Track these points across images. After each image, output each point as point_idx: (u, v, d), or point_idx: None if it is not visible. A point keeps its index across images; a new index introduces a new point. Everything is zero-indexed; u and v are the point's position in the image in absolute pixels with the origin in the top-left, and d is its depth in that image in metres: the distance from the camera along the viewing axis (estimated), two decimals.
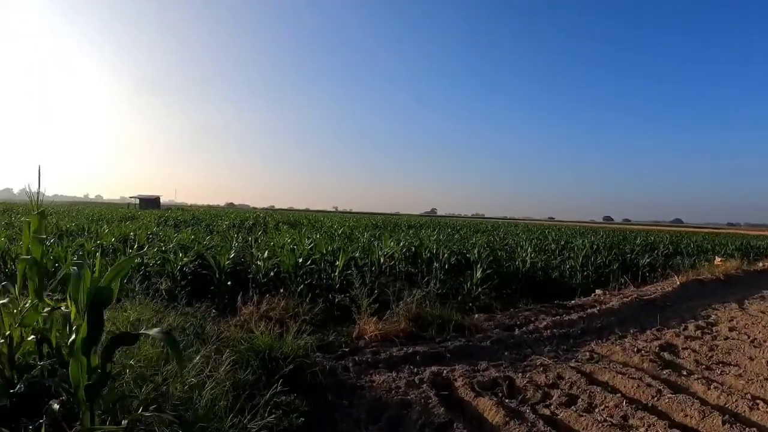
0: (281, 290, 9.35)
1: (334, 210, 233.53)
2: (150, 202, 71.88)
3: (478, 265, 12.20)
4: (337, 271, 10.51)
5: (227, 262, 10.07)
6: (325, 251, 11.97)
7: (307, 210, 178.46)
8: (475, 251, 14.77)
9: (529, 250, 17.13)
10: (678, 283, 14.93)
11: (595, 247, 21.84)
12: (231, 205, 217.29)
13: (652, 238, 36.03)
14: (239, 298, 8.05)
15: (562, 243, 24.09)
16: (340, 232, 23.12)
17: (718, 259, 21.71)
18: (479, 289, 11.63)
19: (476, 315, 9.64)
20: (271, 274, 10.18)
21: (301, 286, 9.69)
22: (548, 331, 8.65)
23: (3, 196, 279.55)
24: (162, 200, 76.56)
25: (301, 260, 10.35)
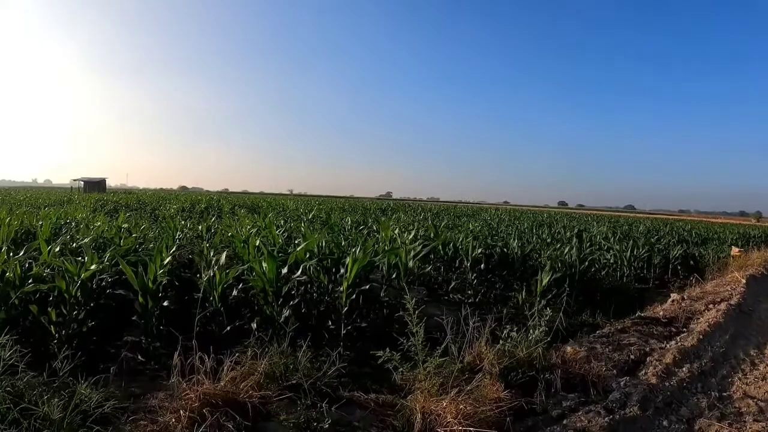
0: (254, 322, 5.68)
1: (289, 193, 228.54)
2: (94, 185, 66.74)
3: (546, 267, 8.65)
4: (345, 283, 6.57)
5: (161, 272, 6.19)
6: (325, 251, 7.80)
7: (262, 193, 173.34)
8: (529, 246, 11.18)
9: (575, 242, 13.66)
10: (742, 280, 11.95)
11: (618, 236, 18.73)
12: (184, 188, 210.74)
13: (642, 226, 32.98)
14: (176, 356, 4.23)
15: (575, 232, 20.64)
16: (310, 217, 19.30)
17: (735, 250, 19.14)
18: (543, 301, 8.23)
19: (567, 347, 6.22)
20: (234, 291, 6.33)
21: (286, 312, 5.99)
22: (680, 369, 5.93)
23: None
24: (112, 184, 72.46)
25: (285, 269, 6.48)
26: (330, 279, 7.25)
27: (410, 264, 7.52)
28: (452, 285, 10.24)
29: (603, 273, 12.29)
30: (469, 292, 10.38)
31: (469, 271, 10.28)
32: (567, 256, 10.73)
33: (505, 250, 10.92)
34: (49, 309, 5.70)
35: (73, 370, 4.66)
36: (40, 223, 10.98)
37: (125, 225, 11.86)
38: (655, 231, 26.24)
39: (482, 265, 10.41)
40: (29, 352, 5.86)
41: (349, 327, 6.43)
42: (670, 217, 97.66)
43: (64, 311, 5.95)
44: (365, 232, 13.03)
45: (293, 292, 6.47)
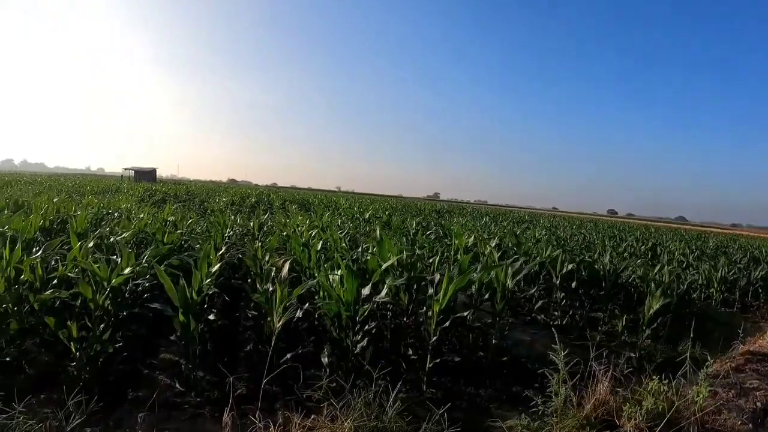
0: (324, 354, 4.49)
1: (337, 190, 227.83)
2: (145, 175, 66.71)
3: (657, 292, 7.30)
4: (436, 307, 5.14)
5: (208, 282, 5.01)
6: (406, 264, 6.24)
7: (310, 189, 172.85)
8: (623, 263, 9.70)
9: (665, 259, 12.12)
10: None
11: (697, 253, 16.98)
12: (233, 181, 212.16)
13: (711, 241, 30.49)
14: (226, 414, 3.12)
15: (649, 246, 18.83)
16: (366, 217, 18.05)
17: None
18: (647, 330, 6.90)
19: None
20: (298, 312, 5.04)
21: (364, 341, 4.77)
22: None
23: (5, 167, 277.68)
24: (163, 174, 72.52)
25: (367, 289, 5.17)
26: (410, 299, 5.98)
27: (509, 284, 6.16)
28: (538, 304, 8.89)
29: (693, 296, 10.74)
30: (556, 313, 9.03)
31: (557, 289, 8.89)
32: (658, 276, 9.21)
33: (595, 266, 9.46)
34: (69, 323, 4.56)
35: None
36: (75, 213, 9.97)
37: (171, 218, 10.82)
38: (723, 247, 24.17)
39: (573, 283, 9.00)
40: (42, 374, 4.85)
41: (437, 360, 5.13)
42: (724, 231, 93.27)
43: (89, 324, 4.84)
44: (432, 237, 11.73)
45: (367, 320, 5.19)
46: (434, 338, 5.14)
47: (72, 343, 4.62)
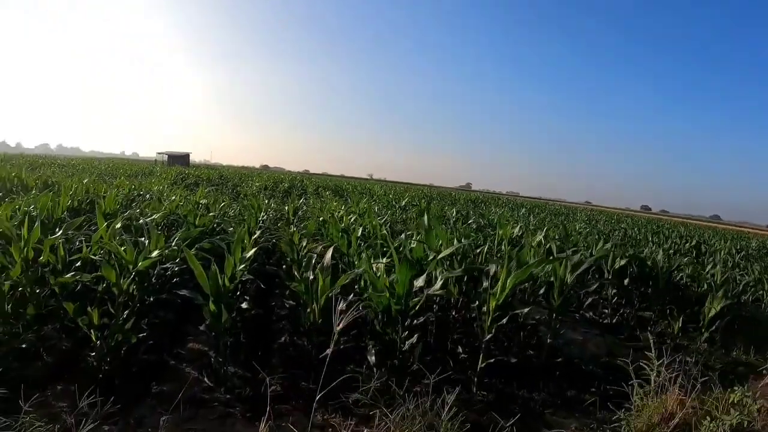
0: (370, 351, 4.02)
1: (369, 177, 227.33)
2: (178, 159, 66.89)
3: (719, 293, 6.76)
4: (492, 302, 4.60)
5: (242, 267, 4.56)
6: (457, 255, 5.84)
7: (342, 176, 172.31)
8: (676, 259, 9.03)
9: (719, 258, 11.38)
10: None
11: (743, 252, 16.11)
12: (266, 167, 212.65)
13: (754, 241, 29.12)
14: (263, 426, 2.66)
15: (693, 244, 17.87)
16: (402, 205, 17.52)
17: None
18: (706, 333, 6.38)
19: None
20: (341, 304, 4.57)
21: (413, 338, 4.27)
22: None
23: (41, 151, 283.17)
24: (197, 159, 72.46)
25: (421, 280, 4.61)
26: (460, 292, 5.47)
27: (568, 279, 5.59)
28: (588, 301, 8.31)
29: (744, 299, 10.00)
30: (606, 310, 8.44)
31: (608, 286, 8.29)
32: (711, 276, 8.54)
33: (648, 262, 8.80)
34: (90, 309, 4.14)
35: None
36: (103, 193, 9.63)
37: (203, 201, 10.43)
38: (766, 248, 22.99)
39: (626, 280, 8.39)
40: (61, 362, 4.46)
41: (491, 360, 4.61)
42: (760, 231, 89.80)
43: (112, 310, 4.43)
44: (474, 226, 11.15)
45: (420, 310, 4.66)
46: (489, 336, 4.62)
47: (92, 331, 4.22)
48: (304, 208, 11.46)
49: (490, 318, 4.60)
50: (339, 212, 9.97)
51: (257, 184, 25.33)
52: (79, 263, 4.80)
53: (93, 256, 4.71)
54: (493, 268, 4.93)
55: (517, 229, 9.38)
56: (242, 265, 4.58)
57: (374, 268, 4.95)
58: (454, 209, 14.60)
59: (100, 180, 18.79)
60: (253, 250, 4.87)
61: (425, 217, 6.98)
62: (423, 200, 21.22)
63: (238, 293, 4.96)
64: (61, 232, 4.76)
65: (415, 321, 4.53)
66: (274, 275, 6.22)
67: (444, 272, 4.76)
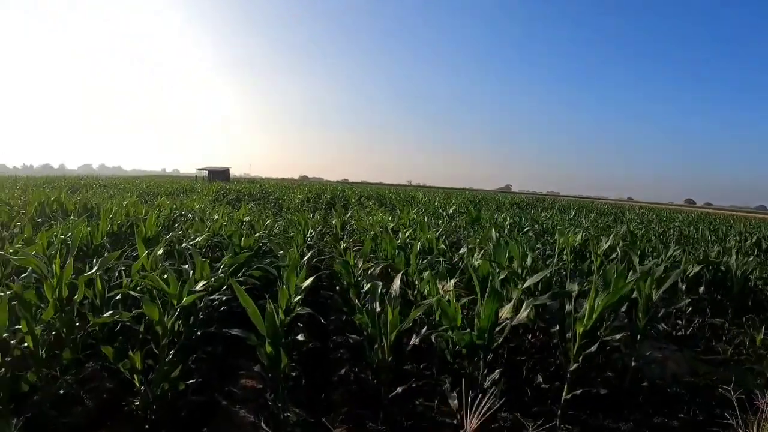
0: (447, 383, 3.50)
1: (408, 183, 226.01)
2: (218, 174, 67.06)
3: None
4: (579, 327, 3.93)
5: (297, 299, 4.05)
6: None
7: (381, 183, 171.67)
8: (750, 264, 8.20)
9: None
10: None
11: None
12: (305, 178, 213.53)
13: None
14: None
15: (754, 240, 16.72)
16: (450, 212, 16.87)
17: None
18: None
19: None
20: (414, 338, 3.96)
21: (494, 373, 3.72)
22: None
23: (84, 171, 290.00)
24: (237, 173, 72.74)
25: (505, 310, 3.93)
26: (536, 314, 4.86)
27: (654, 295, 4.92)
28: (661, 312, 7.58)
29: None
30: (679, 322, 7.71)
31: (683, 295, 7.57)
32: None
33: (722, 267, 8.00)
34: (131, 352, 3.68)
35: None
36: (143, 215, 9.24)
37: (247, 218, 10.01)
38: None
39: (701, 288, 7.64)
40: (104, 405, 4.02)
41: (577, 391, 4.00)
42: None
43: (155, 350, 3.97)
44: (531, 233, 10.44)
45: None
46: (575, 365, 4.02)
47: (135, 376, 3.76)
48: (352, 222, 10.93)
49: (576, 345, 3.99)
50: (389, 224, 9.45)
51: (299, 196, 24.94)
52: (119, 296, 4.39)
53: (132, 292, 4.23)
54: (576, 288, 4.32)
55: (579, 237, 8.67)
56: (297, 297, 4.07)
57: (441, 291, 4.41)
58: (506, 215, 13.84)
59: (141, 199, 18.61)
60: (310, 279, 4.32)
61: (492, 230, 6.39)
62: (471, 206, 20.51)
63: (293, 326, 4.45)
64: (96, 267, 4.28)
65: (497, 354, 3.97)
66: (325, 303, 5.69)
67: (529, 299, 4.12)
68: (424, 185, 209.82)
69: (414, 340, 3.73)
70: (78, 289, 4.03)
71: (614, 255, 7.43)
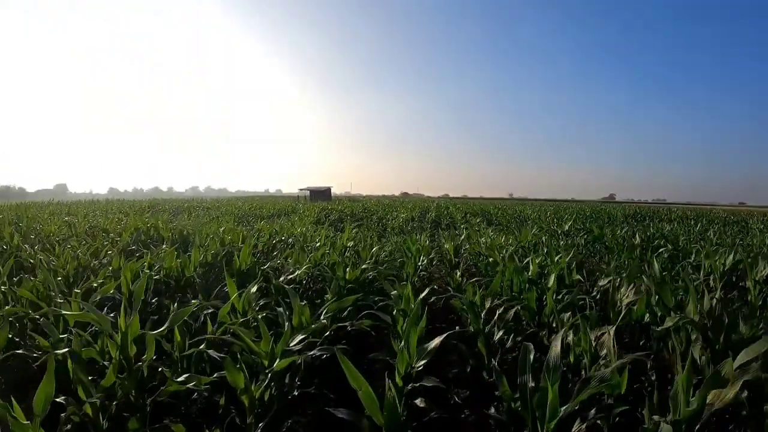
0: None
1: (509, 197, 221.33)
2: (320, 194, 67.37)
3: None
4: None
5: (419, 365, 3.08)
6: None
7: (481, 197, 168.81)
8: None
9: None
10: None
11: None
12: (405, 194, 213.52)
13: None
14: None
15: None
16: (566, 229, 15.40)
17: None
18: None
19: None
20: (580, 424, 2.83)
21: None
22: None
23: (191, 193, 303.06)
24: (338, 192, 72.90)
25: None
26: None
27: None
28: None
29: None
30: None
31: None
32: None
33: None
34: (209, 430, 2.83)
35: None
36: (240, 243, 8.56)
37: (350, 243, 9.19)
38: None
39: None
40: None
41: None
42: None
43: (240, 423, 3.12)
44: (665, 255, 8.90)
45: None
46: None
47: None
48: (466, 245, 9.86)
49: None
50: (509, 248, 8.35)
51: (403, 215, 24.04)
52: (203, 345, 3.58)
53: (212, 353, 3.38)
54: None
55: (730, 258, 7.21)
56: (422, 362, 3.11)
57: (592, 343, 3.35)
58: (635, 234, 12.23)
59: (243, 222, 18.22)
60: (438, 340, 3.28)
61: (655, 265, 5.16)
62: (590, 223, 18.88)
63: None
64: (168, 323, 3.45)
65: None
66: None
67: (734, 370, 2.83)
68: (526, 198, 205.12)
69: (579, 427, 2.64)
70: (147, 348, 3.23)
71: None
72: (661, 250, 9.41)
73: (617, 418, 2.98)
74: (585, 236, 12.98)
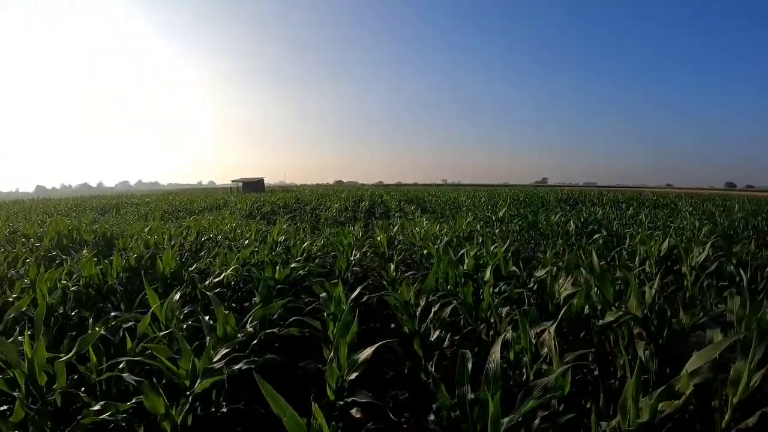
0: None
1: (443, 183, 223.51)
2: (253, 185, 66.10)
3: None
4: (734, 398, 2.46)
5: (353, 378, 2.91)
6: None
7: (416, 184, 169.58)
8: None
9: None
10: None
11: None
12: (339, 182, 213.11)
13: None
14: None
15: None
16: (500, 216, 15.37)
17: None
18: None
19: None
20: None
21: None
22: None
23: (122, 188, 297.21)
24: (272, 183, 71.89)
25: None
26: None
27: None
28: None
29: None
30: None
31: None
32: None
33: None
34: None
35: None
36: (167, 240, 8.21)
37: (281, 238, 8.93)
38: None
39: None
40: None
41: None
42: None
43: None
44: (600, 241, 8.93)
45: None
46: None
47: None
48: (400, 237, 9.73)
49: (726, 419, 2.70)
50: (444, 238, 8.26)
51: (336, 205, 23.73)
52: (122, 366, 3.31)
53: (127, 377, 3.10)
54: (714, 336, 3.02)
55: (665, 244, 7.29)
56: (354, 374, 2.95)
57: (532, 341, 3.26)
58: (569, 219, 12.33)
59: (173, 218, 17.64)
60: (370, 350, 3.10)
61: (593, 256, 5.10)
62: (524, 208, 19.01)
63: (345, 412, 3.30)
64: (75, 348, 3.17)
65: None
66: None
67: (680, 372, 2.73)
68: (459, 183, 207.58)
69: None
70: (57, 377, 2.95)
71: (712, 267, 6.04)
72: (596, 236, 9.44)
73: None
74: (520, 222, 12.99)
